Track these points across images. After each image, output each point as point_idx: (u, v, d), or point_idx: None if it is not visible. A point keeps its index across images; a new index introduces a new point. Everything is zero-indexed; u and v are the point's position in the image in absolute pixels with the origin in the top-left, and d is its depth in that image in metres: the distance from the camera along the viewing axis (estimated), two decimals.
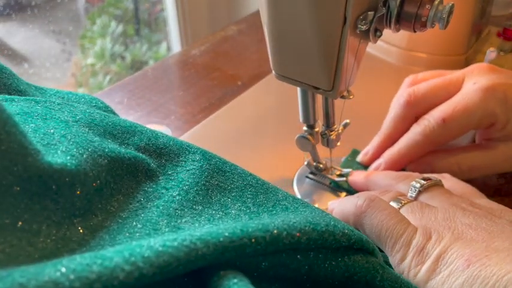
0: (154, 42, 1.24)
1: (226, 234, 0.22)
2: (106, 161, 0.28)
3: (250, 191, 0.30)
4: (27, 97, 0.32)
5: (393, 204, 0.33)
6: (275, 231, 0.23)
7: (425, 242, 0.28)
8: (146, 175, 0.30)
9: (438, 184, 0.34)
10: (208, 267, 0.22)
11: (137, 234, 0.25)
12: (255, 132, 0.50)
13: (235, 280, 0.21)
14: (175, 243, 0.20)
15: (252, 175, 0.32)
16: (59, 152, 0.26)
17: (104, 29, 1.17)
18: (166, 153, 0.32)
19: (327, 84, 0.33)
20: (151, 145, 0.32)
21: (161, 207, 0.27)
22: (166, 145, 0.32)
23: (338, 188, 0.42)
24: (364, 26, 0.29)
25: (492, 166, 0.41)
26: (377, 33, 0.31)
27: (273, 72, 0.35)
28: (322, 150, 0.41)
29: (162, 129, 0.50)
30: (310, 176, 0.44)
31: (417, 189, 0.34)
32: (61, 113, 0.30)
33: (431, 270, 0.27)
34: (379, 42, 0.44)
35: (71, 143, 0.27)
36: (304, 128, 0.39)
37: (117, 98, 0.57)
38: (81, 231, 0.25)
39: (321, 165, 0.43)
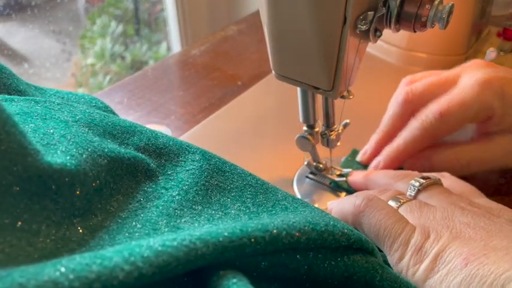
0: (154, 42, 1.24)
1: (226, 234, 0.22)
2: (106, 161, 0.28)
3: (249, 191, 0.30)
4: (27, 97, 0.32)
5: (392, 203, 0.33)
6: (274, 231, 0.23)
7: (423, 241, 0.28)
8: (146, 175, 0.30)
9: (437, 183, 0.35)
10: (207, 267, 0.22)
11: (137, 234, 0.25)
12: (255, 132, 0.50)
13: (235, 280, 0.21)
14: (175, 243, 0.20)
15: (252, 175, 0.32)
16: (58, 152, 0.26)
17: (104, 29, 1.17)
18: (166, 153, 0.32)
19: (327, 84, 0.33)
20: (151, 145, 0.32)
21: (161, 207, 0.27)
22: (166, 145, 0.32)
23: (338, 188, 0.42)
24: (364, 26, 0.29)
25: (490, 160, 0.41)
26: (377, 33, 0.31)
27: (273, 72, 0.35)
28: (322, 150, 0.41)
29: (162, 129, 0.50)
30: (310, 176, 0.44)
31: (416, 188, 0.34)
32: (61, 113, 0.30)
33: (430, 269, 0.27)
34: (379, 42, 0.44)
35: (71, 143, 0.27)
36: (304, 128, 0.39)
37: (117, 98, 0.57)
38: (80, 231, 0.25)
39: (321, 165, 0.43)
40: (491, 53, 0.55)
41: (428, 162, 0.41)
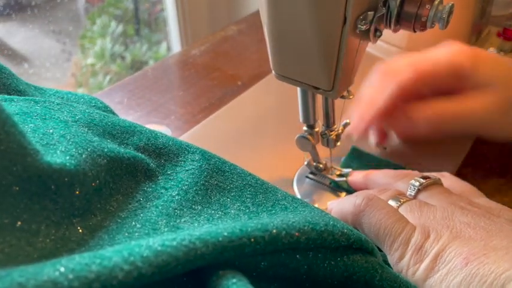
0: (154, 42, 1.24)
1: (225, 233, 0.22)
2: (105, 161, 0.28)
3: (249, 190, 0.30)
4: (27, 97, 0.32)
5: (392, 202, 0.33)
6: (274, 231, 0.23)
7: (423, 241, 0.28)
8: (145, 175, 0.30)
9: (437, 183, 0.35)
10: (207, 266, 0.22)
11: (136, 234, 0.25)
12: (255, 132, 0.50)
13: (234, 280, 0.21)
14: (174, 243, 0.20)
15: (252, 175, 0.32)
16: (58, 152, 0.26)
17: (104, 29, 1.17)
18: (165, 153, 0.32)
19: (327, 84, 0.33)
20: (150, 145, 0.32)
21: (160, 207, 0.27)
22: (166, 145, 0.32)
23: (338, 188, 0.42)
24: (364, 26, 0.29)
25: (471, 114, 0.42)
26: (377, 33, 0.31)
27: (273, 72, 0.35)
28: (322, 150, 0.41)
29: (162, 129, 0.50)
30: (310, 176, 0.44)
31: (416, 188, 0.34)
32: (60, 113, 0.30)
33: (430, 268, 0.27)
34: (379, 42, 0.44)
35: (70, 143, 0.27)
36: (304, 128, 0.39)
37: (117, 98, 0.57)
38: (80, 231, 0.25)
39: (321, 165, 0.43)
40: (491, 53, 0.55)
41: (409, 120, 0.42)
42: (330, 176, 0.43)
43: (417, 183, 0.34)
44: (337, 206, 0.35)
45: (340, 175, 0.42)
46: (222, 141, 0.49)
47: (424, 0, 0.29)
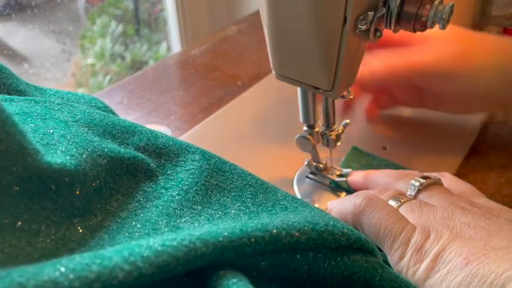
0: (154, 42, 1.24)
1: (226, 233, 0.22)
2: (105, 161, 0.28)
3: (249, 190, 0.30)
4: (27, 97, 0.32)
5: (392, 202, 0.33)
6: (274, 231, 0.23)
7: (423, 241, 0.28)
8: (146, 175, 0.30)
9: (437, 183, 0.35)
10: (207, 266, 0.22)
11: (136, 234, 0.25)
12: (255, 132, 0.50)
13: (235, 280, 0.21)
14: (175, 243, 0.20)
15: (252, 175, 0.32)
16: (58, 152, 0.26)
17: (104, 29, 1.17)
18: (165, 153, 0.32)
19: (327, 84, 0.33)
20: (150, 145, 0.32)
21: (160, 207, 0.27)
22: (166, 145, 0.32)
23: (338, 188, 0.42)
24: (364, 26, 0.29)
25: (433, 62, 0.42)
26: (377, 33, 0.31)
27: (273, 72, 0.35)
28: (322, 150, 0.41)
29: (162, 129, 0.50)
30: (310, 176, 0.44)
31: (416, 188, 0.34)
32: (60, 113, 0.30)
33: (430, 268, 0.27)
34: None
35: (71, 143, 0.27)
36: (304, 128, 0.39)
37: (117, 98, 0.57)
38: (80, 231, 0.25)
39: (321, 165, 0.42)
40: None
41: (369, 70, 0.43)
42: (330, 176, 0.43)
43: (417, 183, 0.34)
44: (337, 206, 0.35)
45: (340, 175, 0.42)
46: (222, 141, 0.49)
47: (424, 0, 0.29)
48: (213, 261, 0.21)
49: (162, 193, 0.29)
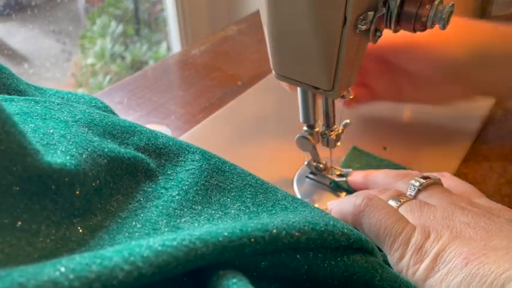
0: (154, 42, 1.24)
1: (226, 233, 0.22)
2: (105, 161, 0.28)
3: (249, 190, 0.30)
4: (27, 97, 0.32)
5: (392, 202, 0.33)
6: (274, 231, 0.23)
7: (423, 241, 0.28)
8: (146, 175, 0.30)
9: (437, 183, 0.35)
10: (207, 266, 0.22)
11: (136, 234, 0.25)
12: (255, 132, 0.50)
13: (235, 280, 0.21)
14: (175, 243, 0.20)
15: (252, 175, 0.32)
16: (58, 152, 0.26)
17: (104, 29, 1.17)
18: (165, 153, 0.32)
19: (327, 84, 0.33)
20: (150, 145, 0.32)
21: (160, 207, 0.27)
22: (166, 145, 0.32)
23: (338, 188, 0.42)
24: (364, 26, 0.29)
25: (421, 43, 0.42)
26: (377, 33, 0.31)
27: (273, 72, 0.35)
28: (322, 150, 0.41)
29: (162, 129, 0.50)
30: (310, 176, 0.44)
31: (416, 188, 0.34)
32: (60, 113, 0.30)
33: (430, 268, 0.27)
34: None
35: (71, 143, 0.27)
36: (304, 128, 0.39)
37: (117, 98, 0.57)
38: (80, 231, 0.25)
39: (321, 165, 0.42)
40: None
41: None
42: (330, 176, 0.43)
43: (417, 183, 0.34)
44: (337, 206, 0.35)
45: (340, 175, 0.42)
46: (222, 141, 0.49)
47: (424, 0, 0.29)
48: (213, 261, 0.21)
49: (162, 193, 0.29)
